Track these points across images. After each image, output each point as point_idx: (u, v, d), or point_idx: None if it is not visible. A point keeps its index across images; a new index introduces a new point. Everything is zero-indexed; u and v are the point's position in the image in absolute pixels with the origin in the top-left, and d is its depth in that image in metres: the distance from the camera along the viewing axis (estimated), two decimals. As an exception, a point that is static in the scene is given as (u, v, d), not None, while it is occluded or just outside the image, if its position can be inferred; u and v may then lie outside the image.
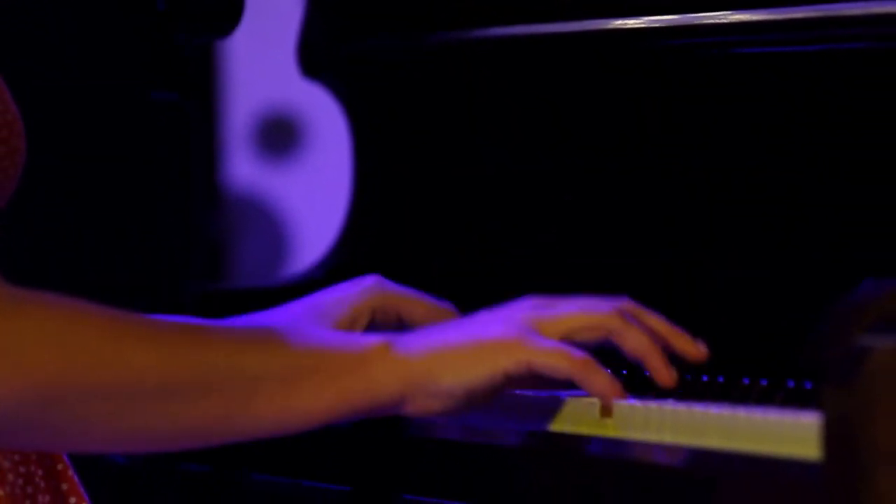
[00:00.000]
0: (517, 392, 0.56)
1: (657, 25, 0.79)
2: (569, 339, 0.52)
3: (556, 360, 0.50)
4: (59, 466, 0.55)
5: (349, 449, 0.72)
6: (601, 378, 0.50)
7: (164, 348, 0.46)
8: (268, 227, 3.10)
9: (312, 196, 3.30)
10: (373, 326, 0.63)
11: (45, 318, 0.43)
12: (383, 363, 0.50)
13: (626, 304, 0.54)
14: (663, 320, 0.55)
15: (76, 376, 0.43)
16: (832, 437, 0.44)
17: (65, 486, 0.55)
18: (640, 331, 0.52)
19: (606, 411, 0.52)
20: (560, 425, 0.54)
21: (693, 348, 0.54)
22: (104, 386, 0.44)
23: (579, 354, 0.50)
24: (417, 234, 1.15)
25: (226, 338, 0.50)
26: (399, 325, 0.64)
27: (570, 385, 0.55)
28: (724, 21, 0.75)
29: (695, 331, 0.57)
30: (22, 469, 0.52)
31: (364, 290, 0.63)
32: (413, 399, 0.50)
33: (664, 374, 0.52)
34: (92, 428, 0.45)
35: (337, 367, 0.49)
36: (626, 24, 0.81)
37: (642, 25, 0.80)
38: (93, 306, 0.45)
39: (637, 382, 0.56)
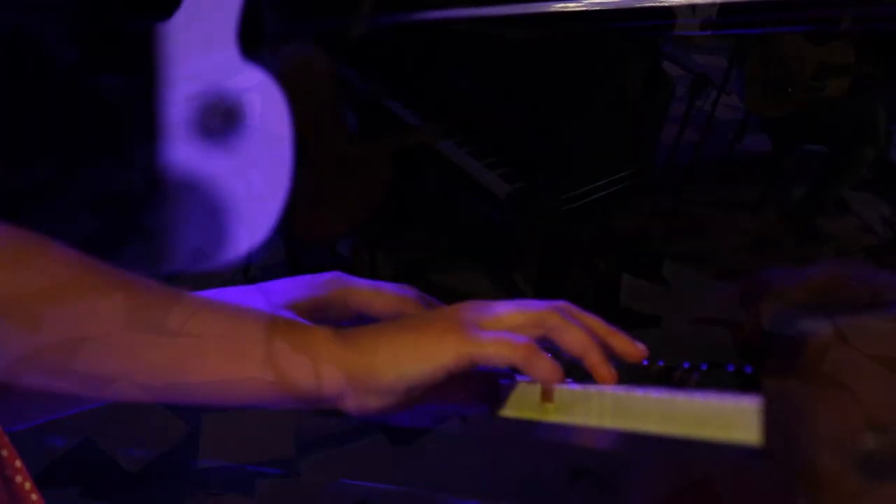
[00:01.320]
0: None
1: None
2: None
3: (498, 348, 0.47)
4: (4, 452, 0.51)
5: (286, 431, 0.68)
6: (544, 363, 0.48)
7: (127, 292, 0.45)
8: (207, 210, 3.04)
9: (253, 180, 3.25)
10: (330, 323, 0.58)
11: None
12: (327, 354, 0.47)
13: (565, 304, 0.52)
14: (601, 321, 0.53)
15: None
16: (773, 423, 0.43)
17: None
18: (579, 328, 0.50)
19: (547, 395, 0.49)
20: (501, 410, 0.52)
21: (632, 348, 0.53)
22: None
23: (521, 340, 0.48)
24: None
25: (164, 293, 0.47)
26: (358, 320, 0.61)
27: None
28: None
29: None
30: None
31: (323, 283, 0.59)
32: (352, 395, 0.47)
33: (604, 372, 0.50)
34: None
35: (282, 346, 0.46)
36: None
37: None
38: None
39: (577, 367, 0.53)
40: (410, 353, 0.47)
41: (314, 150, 2.22)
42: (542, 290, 2.53)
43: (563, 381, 0.49)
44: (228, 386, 0.46)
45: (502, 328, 0.49)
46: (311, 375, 0.46)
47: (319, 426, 2.11)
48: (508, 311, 0.51)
